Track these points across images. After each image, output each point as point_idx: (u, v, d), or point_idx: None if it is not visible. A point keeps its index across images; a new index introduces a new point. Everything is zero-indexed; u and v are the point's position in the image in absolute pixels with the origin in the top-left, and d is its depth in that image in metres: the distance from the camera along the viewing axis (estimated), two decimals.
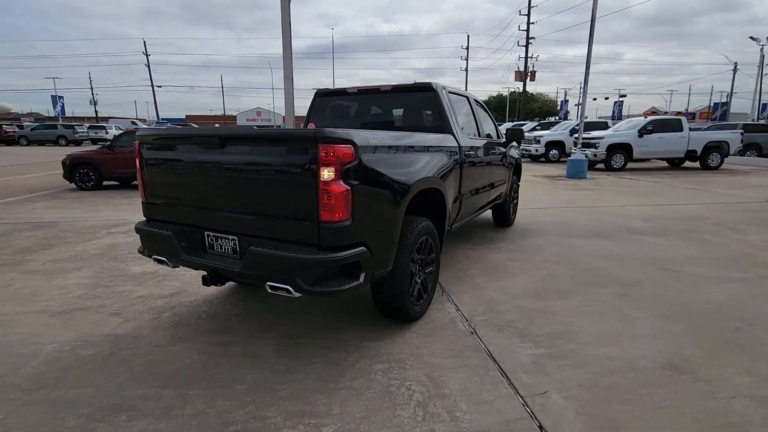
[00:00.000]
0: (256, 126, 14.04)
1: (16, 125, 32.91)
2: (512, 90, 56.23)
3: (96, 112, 64.06)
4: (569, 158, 12.17)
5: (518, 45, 30.32)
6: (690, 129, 13.89)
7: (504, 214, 5.80)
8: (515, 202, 6.20)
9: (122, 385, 2.32)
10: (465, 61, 40.67)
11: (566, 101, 39.42)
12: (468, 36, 38.37)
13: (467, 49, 40.25)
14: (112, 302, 3.44)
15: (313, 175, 2.14)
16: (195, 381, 2.36)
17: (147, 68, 38.30)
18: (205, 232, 2.64)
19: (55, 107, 35.13)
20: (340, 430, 1.96)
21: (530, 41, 29.68)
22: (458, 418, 2.03)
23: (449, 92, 3.91)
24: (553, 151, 16.62)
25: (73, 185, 9.77)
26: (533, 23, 29.84)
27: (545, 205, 7.69)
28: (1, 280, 3.94)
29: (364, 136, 2.32)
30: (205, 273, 2.58)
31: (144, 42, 37.68)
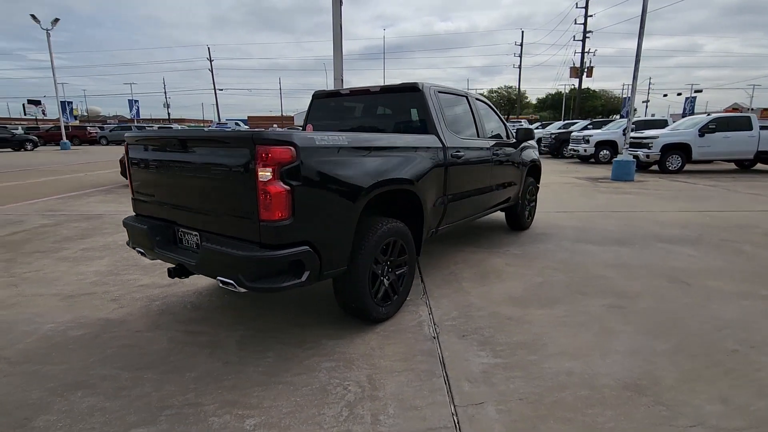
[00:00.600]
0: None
1: (98, 126, 36.51)
2: (573, 87, 53.45)
3: (168, 114, 69.31)
4: (614, 159, 11.40)
5: (574, 39, 28.71)
6: (762, 128, 12.47)
7: (517, 216, 5.58)
8: (532, 205, 5.94)
9: (91, 365, 2.54)
10: (520, 58, 39.27)
11: (628, 98, 36.50)
12: (522, 32, 36.73)
13: (521, 45, 38.81)
14: (116, 289, 3.76)
15: (252, 175, 2.22)
16: (153, 366, 2.53)
17: (210, 73, 40.87)
18: (177, 228, 2.82)
19: (131, 110, 38.62)
20: (263, 422, 2.03)
21: (588, 35, 28.00)
22: (380, 422, 2.02)
23: (439, 92, 3.85)
24: (604, 151, 15.63)
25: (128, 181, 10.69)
26: (591, 16, 28.12)
27: (574, 209, 7.28)
28: (35, 265, 4.44)
29: (308, 138, 2.37)
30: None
31: (208, 48, 40.34)
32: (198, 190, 2.55)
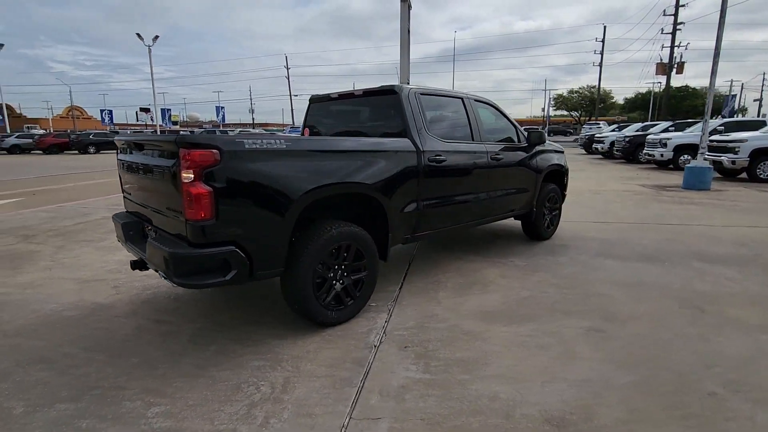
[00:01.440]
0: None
1: (189, 130, 40.55)
2: (670, 85, 48.12)
3: (252, 119, 74.76)
4: (687, 165, 10.13)
5: (662, 32, 25.80)
6: None
7: (532, 225, 5.21)
8: (555, 213, 5.50)
9: (63, 343, 2.85)
10: (601, 56, 36.32)
11: (733, 96, 31.89)
12: (604, 27, 33.87)
13: (603, 41, 35.86)
14: (123, 277, 4.17)
15: (178, 176, 2.35)
16: (109, 349, 2.77)
17: (287, 80, 43.46)
18: (146, 224, 3.07)
19: (218, 115, 42.47)
20: (164, 411, 2.13)
21: (678, 27, 24.98)
22: (268, 425, 2.03)
23: (423, 94, 3.73)
24: (684, 156, 13.92)
25: None
26: (684, 5, 25.07)
27: (616, 220, 6.60)
28: (75, 252, 5.07)
29: (236, 142, 2.44)
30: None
31: (286, 57, 42.99)
32: (151, 189, 2.76)
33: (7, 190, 10.52)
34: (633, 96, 60.94)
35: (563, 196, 5.73)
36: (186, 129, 49.37)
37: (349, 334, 2.94)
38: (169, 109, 43.35)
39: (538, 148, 5.00)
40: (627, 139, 17.46)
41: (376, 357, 2.64)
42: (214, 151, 2.34)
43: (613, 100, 64.08)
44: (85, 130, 43.22)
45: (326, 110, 4.36)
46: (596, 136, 21.80)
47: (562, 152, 5.67)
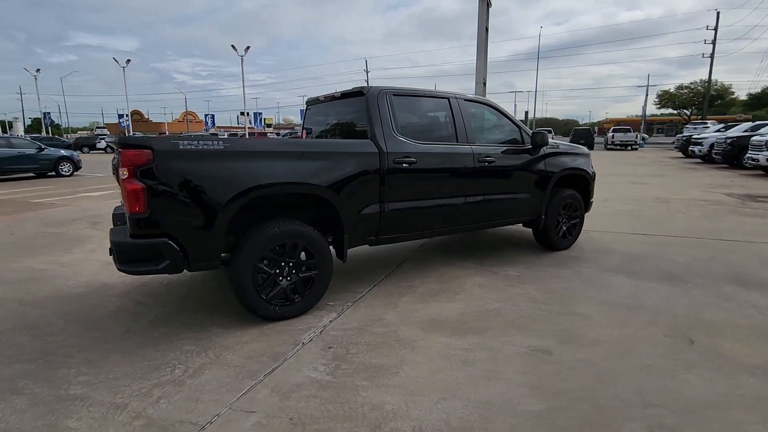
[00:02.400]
0: None
1: (275, 132, 43.70)
2: None
3: None
4: None
5: None
6: None
7: (542, 234, 4.82)
8: (574, 222, 5.02)
9: (55, 314, 3.33)
10: (713, 46, 31.68)
11: None
12: (717, 13, 29.03)
13: (715, 30, 31.15)
14: None
15: (119, 173, 2.63)
16: (85, 322, 3.18)
17: (367, 82, 44.71)
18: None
19: (302, 118, 45.15)
20: (87, 381, 2.40)
21: None
22: (157, 404, 2.18)
23: (396, 95, 3.67)
24: None
25: None
26: None
27: (663, 232, 5.81)
28: None
29: (170, 143, 2.66)
30: None
31: (366, 61, 44.26)
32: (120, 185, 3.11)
33: (100, 185, 12.32)
34: (759, 91, 52.39)
35: (588, 204, 5.21)
36: (276, 132, 53.21)
37: (287, 330, 3.02)
38: (260, 113, 47.14)
39: (548, 150, 4.62)
40: (729, 141, 15.12)
41: (295, 354, 2.69)
42: (147, 151, 2.58)
43: (734, 96, 55.64)
44: (190, 132, 49.00)
45: (317, 112, 4.49)
46: (693, 137, 19.14)
47: (586, 155, 5.15)
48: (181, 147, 2.69)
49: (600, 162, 18.22)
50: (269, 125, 68.76)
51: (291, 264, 3.13)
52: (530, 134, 4.53)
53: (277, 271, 3.09)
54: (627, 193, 9.43)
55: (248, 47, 31.09)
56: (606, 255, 4.79)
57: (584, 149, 5.22)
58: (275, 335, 2.95)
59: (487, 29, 37.90)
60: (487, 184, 4.16)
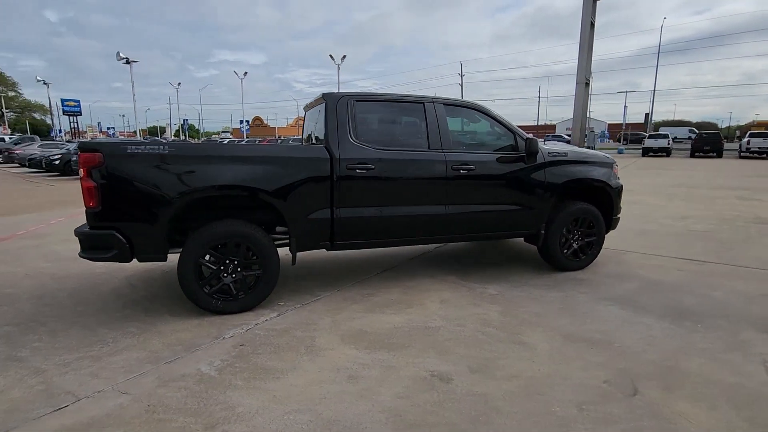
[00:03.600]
0: None
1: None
2: None
3: None
4: None
5: None
6: None
7: (545, 251, 4.33)
8: (591, 240, 4.42)
9: (63, 289, 3.96)
10: None
11: None
12: None
13: None
14: None
15: None
16: (78, 298, 3.73)
17: (460, 87, 44.00)
18: None
19: None
20: (37, 347, 2.84)
21: None
22: (63, 375, 2.50)
23: (359, 101, 3.63)
24: None
25: None
26: None
27: (722, 260, 4.80)
28: None
29: (119, 146, 3.01)
30: None
31: (461, 64, 43.58)
32: None
33: None
34: None
35: (611, 221, 4.54)
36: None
37: (223, 324, 3.19)
38: None
39: (550, 158, 4.14)
40: None
41: (207, 347, 2.84)
42: (98, 154, 2.96)
43: None
44: (298, 135, 53.19)
45: (309, 118, 4.63)
46: None
47: (606, 165, 4.49)
48: (128, 151, 3.03)
49: (716, 172, 15.47)
50: None
51: (235, 262, 3.31)
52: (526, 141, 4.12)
53: (222, 267, 3.29)
54: (721, 211, 7.94)
55: (344, 56, 32.92)
56: (621, 280, 4.13)
57: (606, 158, 4.56)
58: (207, 328, 3.14)
59: (592, 24, 34.75)
60: (467, 194, 3.89)
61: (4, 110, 50.03)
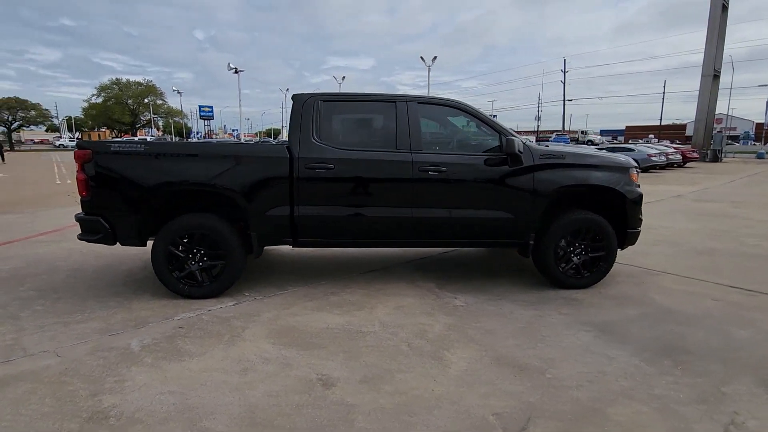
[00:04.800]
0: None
1: None
2: None
3: (537, 125, 73.49)
4: None
5: None
6: None
7: (539, 263, 3.89)
8: (599, 256, 3.85)
9: (91, 264, 4.67)
10: None
11: None
12: None
13: None
14: None
15: None
16: (93, 273, 4.37)
17: (562, 84, 40.73)
18: None
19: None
20: (32, 313, 3.42)
21: None
22: (41, 331, 2.99)
23: (326, 101, 3.65)
24: None
25: None
26: None
27: None
28: None
29: (105, 145, 3.47)
30: None
31: (564, 60, 40.26)
32: None
33: None
34: None
35: (626, 234, 3.90)
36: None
37: (186, 307, 3.46)
38: None
39: (540, 160, 3.70)
40: None
41: (151, 325, 3.14)
42: (88, 151, 3.46)
43: None
44: None
45: None
46: None
47: (620, 169, 3.86)
48: (112, 149, 3.49)
49: None
50: None
51: (202, 252, 3.60)
52: (525, 143, 3.74)
53: (190, 256, 3.60)
54: None
55: (435, 57, 32.71)
56: (622, 305, 3.54)
57: (620, 162, 3.91)
58: (167, 309, 3.45)
59: (724, 6, 30.17)
60: (437, 198, 3.68)
61: (152, 116, 59.69)
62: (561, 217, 3.79)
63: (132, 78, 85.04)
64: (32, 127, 69.88)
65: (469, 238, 3.86)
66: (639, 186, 3.97)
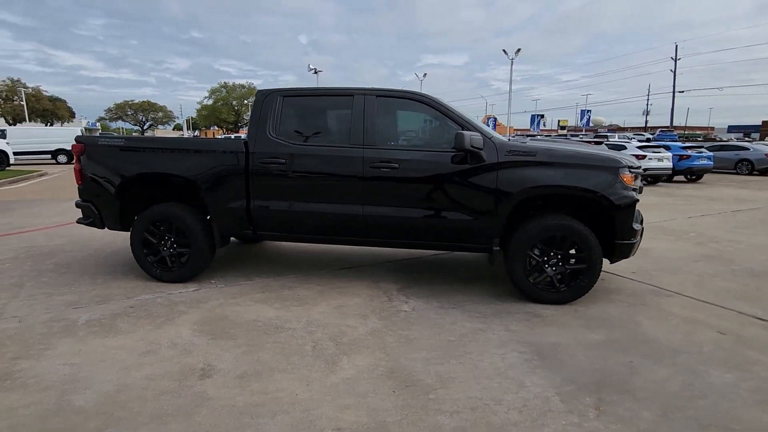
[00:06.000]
0: None
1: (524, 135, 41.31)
2: None
3: (646, 121, 65.76)
4: None
5: None
6: None
7: (509, 271, 3.50)
8: (580, 269, 3.36)
9: (109, 248, 5.27)
10: None
11: None
12: None
13: None
14: None
15: None
16: (107, 257, 4.93)
17: (673, 73, 35.60)
18: None
19: (581, 119, 40.90)
20: (45, 282, 3.98)
21: None
22: (31, 298, 3.48)
23: (286, 96, 3.66)
24: None
25: None
26: None
27: None
28: None
29: (93, 138, 3.88)
30: None
31: (676, 46, 35.11)
32: None
33: None
34: None
35: (615, 245, 3.34)
36: (551, 134, 50.30)
37: (150, 289, 3.77)
38: (539, 116, 45.50)
39: (506, 158, 3.31)
40: None
41: (111, 302, 3.45)
42: (81, 144, 3.90)
43: None
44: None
45: None
46: None
47: (607, 169, 3.27)
48: (99, 142, 3.90)
49: None
50: (563, 127, 64.92)
51: (172, 239, 3.87)
52: (491, 138, 3.40)
53: (162, 242, 3.89)
54: None
55: (519, 49, 30.87)
56: (590, 327, 3.04)
57: (606, 160, 3.32)
58: (135, 290, 3.75)
59: None
60: (389, 196, 3.50)
61: (245, 116, 65.33)
62: (531, 223, 3.36)
63: (242, 81, 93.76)
64: (160, 126, 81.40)
65: (426, 240, 3.60)
66: (636, 190, 3.36)
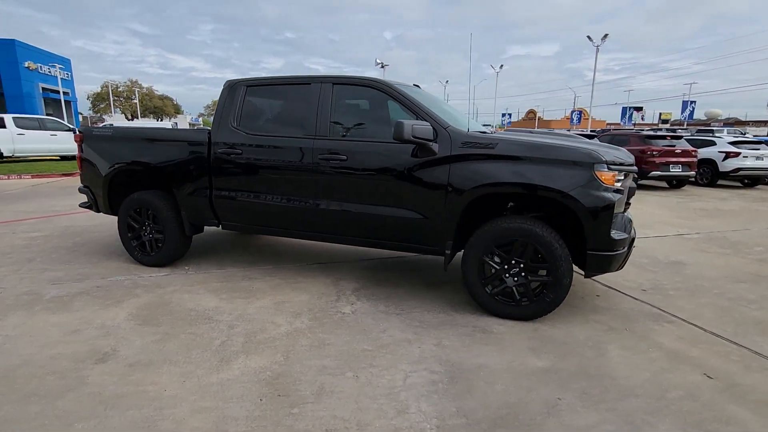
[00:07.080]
0: None
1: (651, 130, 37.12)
2: None
3: None
4: None
5: None
6: None
7: (465, 280, 3.11)
8: (546, 281, 2.89)
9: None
10: None
11: None
12: None
13: None
14: None
15: None
16: (114, 246, 5.33)
17: None
18: None
19: (683, 111, 35.97)
20: (35, 268, 4.42)
21: None
22: (38, 280, 3.88)
23: (250, 86, 3.59)
24: None
25: None
26: None
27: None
28: None
29: (89, 129, 4.17)
30: None
31: None
32: None
33: None
34: None
35: (591, 256, 2.80)
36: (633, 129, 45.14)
37: (131, 271, 3.99)
38: (636, 108, 41.10)
39: (460, 150, 2.91)
40: None
41: (87, 281, 3.70)
42: (81, 134, 4.23)
43: None
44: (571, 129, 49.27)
45: None
46: None
47: (578, 165, 2.72)
48: (95, 132, 4.19)
49: None
50: (665, 121, 58.15)
51: (150, 225, 4.05)
52: (446, 128, 3.04)
53: (143, 228, 4.10)
54: None
55: (606, 35, 27.89)
56: (537, 351, 2.59)
57: (578, 154, 2.75)
58: (117, 271, 3.99)
59: None
60: (338, 189, 3.29)
61: None
62: (486, 225, 2.94)
63: None
64: None
65: (376, 239, 3.33)
66: (617, 191, 2.77)
